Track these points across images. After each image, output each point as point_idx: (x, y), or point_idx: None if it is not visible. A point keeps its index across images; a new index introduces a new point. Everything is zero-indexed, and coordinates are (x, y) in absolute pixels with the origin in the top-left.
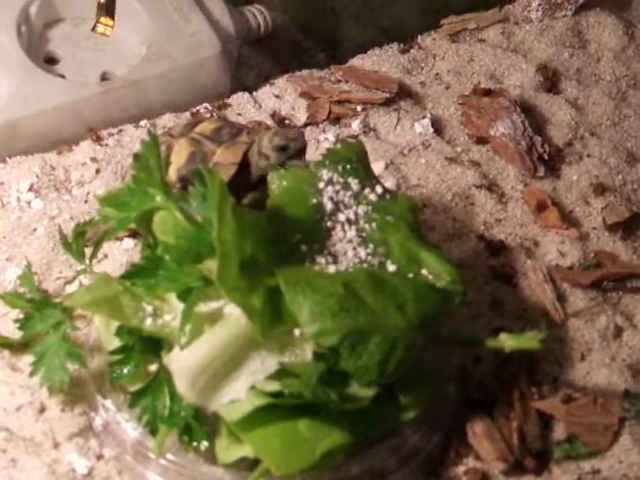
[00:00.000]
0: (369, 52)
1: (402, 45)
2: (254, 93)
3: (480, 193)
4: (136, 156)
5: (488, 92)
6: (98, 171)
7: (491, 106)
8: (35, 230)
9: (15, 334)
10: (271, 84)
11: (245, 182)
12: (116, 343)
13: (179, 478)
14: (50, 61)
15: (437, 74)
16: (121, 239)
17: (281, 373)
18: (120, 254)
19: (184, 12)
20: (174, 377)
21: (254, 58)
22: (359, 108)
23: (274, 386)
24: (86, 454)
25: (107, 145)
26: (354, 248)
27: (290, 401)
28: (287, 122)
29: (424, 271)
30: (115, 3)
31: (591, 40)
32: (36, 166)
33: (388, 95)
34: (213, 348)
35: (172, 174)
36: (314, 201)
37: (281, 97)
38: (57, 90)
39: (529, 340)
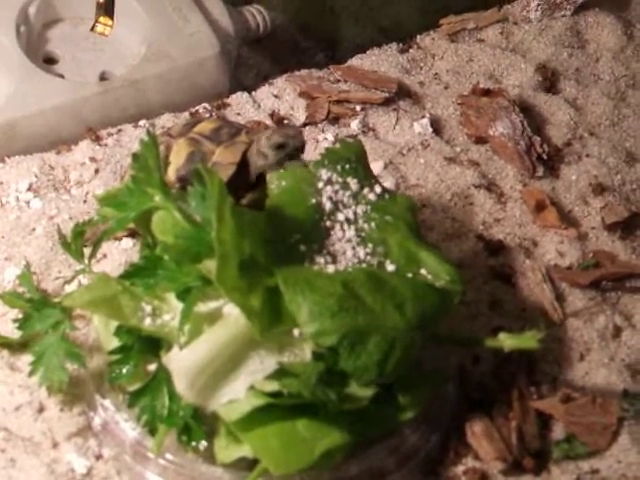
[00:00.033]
0: (368, 52)
1: (401, 45)
2: (253, 93)
3: (479, 193)
4: (135, 156)
5: (487, 92)
6: (97, 171)
7: (490, 106)
8: (34, 230)
9: (14, 334)
10: (270, 84)
11: (244, 182)
12: (115, 343)
13: (178, 478)
14: (49, 61)
15: (436, 74)
16: (120, 239)
17: (280, 373)
18: (119, 254)
19: (183, 12)
20: (173, 377)
21: (253, 58)
22: (358, 108)
23: (273, 386)
24: (85, 454)
25: (106, 145)
26: (353, 248)
27: (289, 401)
28: (286, 122)
29: (423, 271)
30: (114, 3)
31: (590, 40)
32: (35, 166)
33: (387, 95)
34: (212, 348)
35: (171, 174)
36: (313, 201)
37: (280, 97)
38: (56, 90)
39: (528, 340)
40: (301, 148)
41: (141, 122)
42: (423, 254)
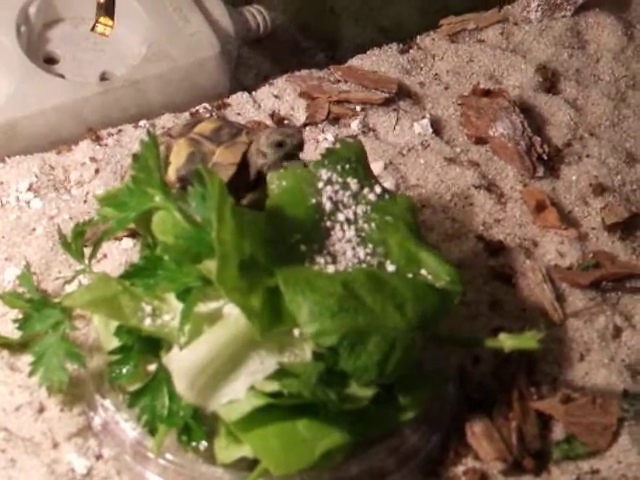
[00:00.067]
0: (368, 52)
1: (401, 45)
2: (253, 93)
3: (479, 193)
4: (135, 156)
5: (487, 92)
6: (97, 171)
7: (490, 106)
8: (34, 230)
9: (14, 334)
10: (270, 84)
11: (244, 182)
12: (115, 343)
13: (178, 478)
14: (50, 61)
15: (436, 74)
16: (120, 239)
17: (280, 373)
18: (119, 254)
19: (183, 12)
20: (173, 377)
21: (253, 58)
22: (358, 108)
23: (273, 386)
24: (85, 454)
25: (106, 145)
26: (353, 248)
27: (289, 401)
28: (286, 122)
29: (423, 271)
30: (115, 3)
31: (590, 41)
32: (35, 166)
33: (387, 95)
34: (212, 348)
35: (171, 174)
36: (313, 201)
37: (280, 97)
38: (56, 90)
39: (528, 340)
40: (300, 146)
41: (141, 122)
42: (423, 254)
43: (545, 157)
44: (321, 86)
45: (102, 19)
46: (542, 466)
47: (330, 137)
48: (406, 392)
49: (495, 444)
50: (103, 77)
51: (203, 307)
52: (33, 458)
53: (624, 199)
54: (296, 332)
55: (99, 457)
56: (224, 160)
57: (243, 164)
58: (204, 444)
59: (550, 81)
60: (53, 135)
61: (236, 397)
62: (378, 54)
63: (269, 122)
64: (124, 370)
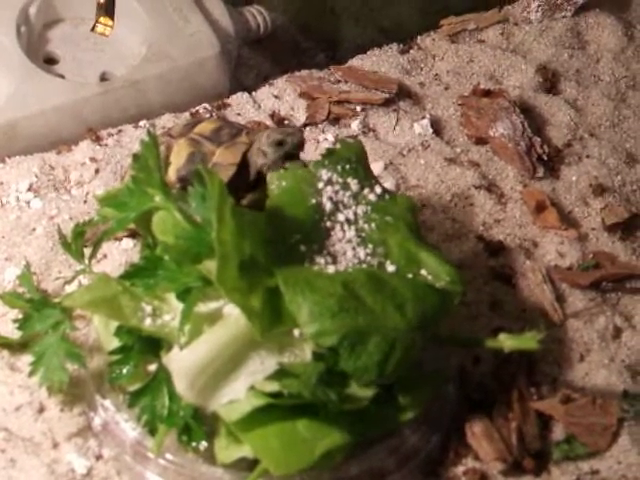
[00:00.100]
0: (368, 52)
1: (401, 46)
2: (253, 93)
3: (479, 194)
4: (135, 156)
5: (487, 93)
6: (97, 171)
7: (490, 107)
8: (34, 230)
9: (14, 334)
10: (270, 84)
11: (244, 182)
12: (115, 343)
13: (178, 478)
14: (50, 61)
15: (436, 75)
16: (120, 239)
17: (280, 373)
18: (119, 254)
19: (183, 12)
20: (173, 377)
21: (253, 58)
22: (358, 108)
23: (273, 386)
24: (85, 454)
25: (106, 145)
26: (353, 248)
27: (289, 401)
28: (286, 122)
29: (423, 271)
30: (114, 3)
31: (590, 41)
32: (35, 166)
33: (387, 95)
34: (212, 348)
35: (171, 174)
36: (313, 201)
37: (280, 97)
38: (56, 90)
39: (528, 340)
40: (301, 146)
41: (141, 122)
42: (423, 255)
43: (545, 157)
44: (321, 86)
45: (102, 19)
46: (542, 466)
47: (330, 137)
48: (406, 392)
49: (495, 444)
50: (103, 77)
51: (203, 307)
52: (33, 458)
53: (624, 199)
54: (296, 332)
55: (99, 457)
56: (224, 160)
57: (243, 164)
58: (204, 444)
59: (550, 81)
60: (53, 135)
61: (236, 397)
62: (378, 54)
63: (269, 122)
64: (124, 370)
